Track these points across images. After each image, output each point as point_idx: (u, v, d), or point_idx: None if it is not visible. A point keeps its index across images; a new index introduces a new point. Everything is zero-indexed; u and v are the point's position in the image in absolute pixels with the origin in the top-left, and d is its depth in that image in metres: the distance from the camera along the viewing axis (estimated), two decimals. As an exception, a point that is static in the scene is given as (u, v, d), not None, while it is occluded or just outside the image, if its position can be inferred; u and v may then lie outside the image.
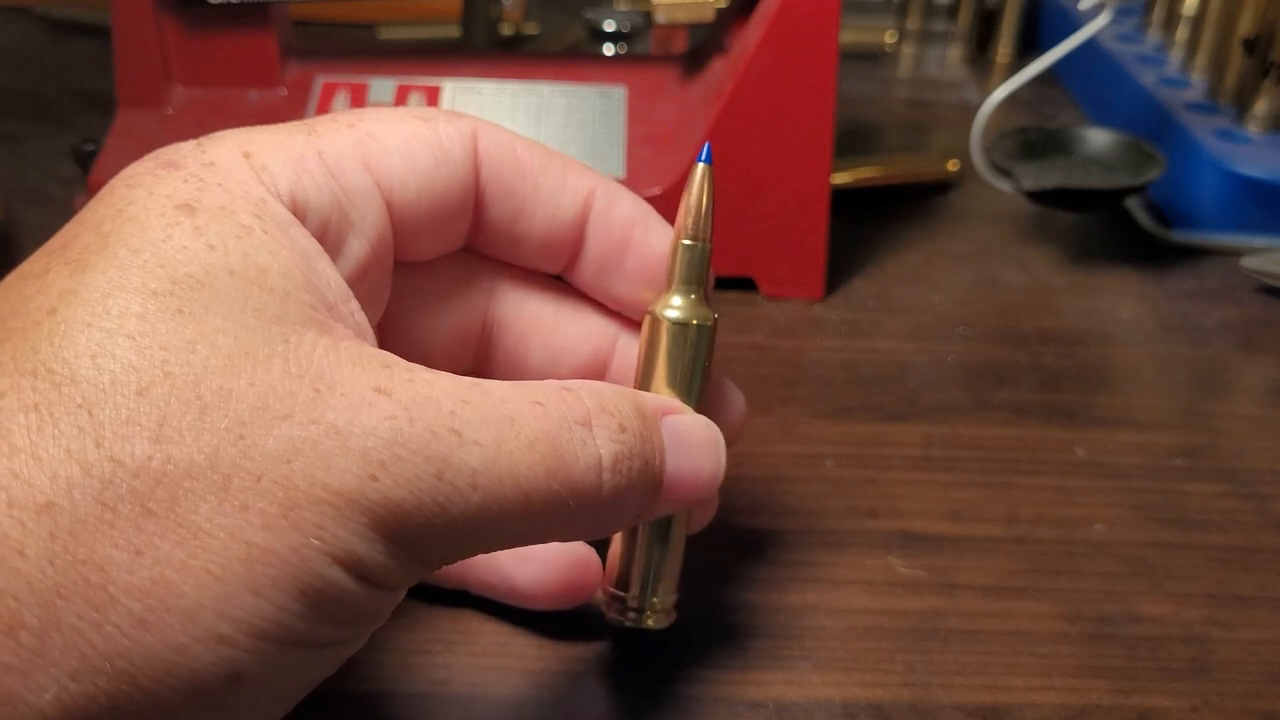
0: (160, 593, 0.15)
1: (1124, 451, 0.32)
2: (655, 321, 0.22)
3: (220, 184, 0.18)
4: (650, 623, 0.23)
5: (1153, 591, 0.27)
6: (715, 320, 0.23)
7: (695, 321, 0.22)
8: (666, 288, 0.23)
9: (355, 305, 0.19)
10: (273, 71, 0.39)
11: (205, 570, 0.15)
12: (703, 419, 0.22)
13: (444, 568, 0.19)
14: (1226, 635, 0.26)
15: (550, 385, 0.19)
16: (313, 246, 0.19)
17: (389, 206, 0.21)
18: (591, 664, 0.25)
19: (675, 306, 0.22)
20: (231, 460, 0.16)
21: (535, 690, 0.24)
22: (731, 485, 0.30)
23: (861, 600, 0.27)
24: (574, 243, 0.23)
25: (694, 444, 0.21)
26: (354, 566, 0.16)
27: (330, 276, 0.19)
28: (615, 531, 0.23)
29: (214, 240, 0.17)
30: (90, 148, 0.40)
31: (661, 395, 0.22)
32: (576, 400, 0.19)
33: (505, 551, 0.24)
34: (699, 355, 0.22)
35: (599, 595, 0.24)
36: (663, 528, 0.23)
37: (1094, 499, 0.30)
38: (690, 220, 0.22)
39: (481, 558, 0.25)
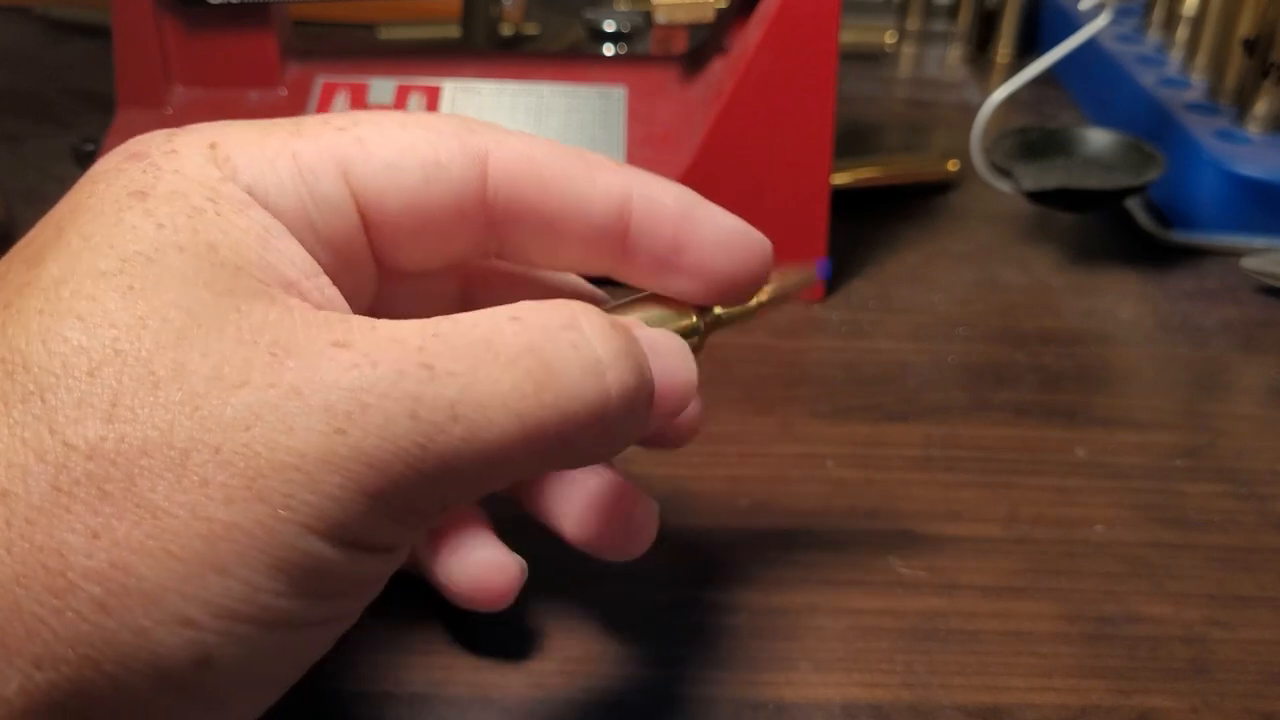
0: (119, 576, 0.15)
1: (1124, 451, 0.32)
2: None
3: (177, 170, 0.18)
4: None
5: (1153, 591, 0.27)
6: (697, 348, 0.22)
7: (694, 320, 0.22)
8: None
9: (325, 280, 0.19)
10: (273, 71, 0.39)
11: (165, 550, 0.15)
12: (665, 330, 0.21)
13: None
14: (1226, 635, 0.26)
15: (525, 301, 0.18)
16: (273, 224, 0.18)
17: (364, 219, 0.20)
18: (591, 664, 0.25)
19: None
20: (188, 434, 0.15)
21: (535, 690, 0.24)
22: (732, 485, 0.30)
23: (862, 600, 0.27)
24: (615, 245, 0.22)
25: (666, 351, 0.20)
26: (333, 532, 0.16)
27: (293, 252, 0.18)
28: (623, 448, 0.20)
29: (163, 220, 0.17)
30: (90, 148, 0.40)
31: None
32: (557, 306, 0.18)
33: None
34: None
35: None
36: None
37: (1094, 499, 0.30)
38: (765, 297, 0.23)
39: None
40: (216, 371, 0.16)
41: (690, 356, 0.21)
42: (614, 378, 0.18)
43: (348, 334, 0.17)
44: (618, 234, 0.22)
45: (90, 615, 0.15)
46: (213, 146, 0.19)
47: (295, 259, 0.18)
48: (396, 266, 0.21)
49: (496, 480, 0.18)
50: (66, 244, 0.17)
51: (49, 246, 0.17)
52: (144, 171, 0.18)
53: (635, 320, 0.22)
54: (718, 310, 0.23)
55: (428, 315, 0.23)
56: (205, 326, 0.16)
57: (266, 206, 0.19)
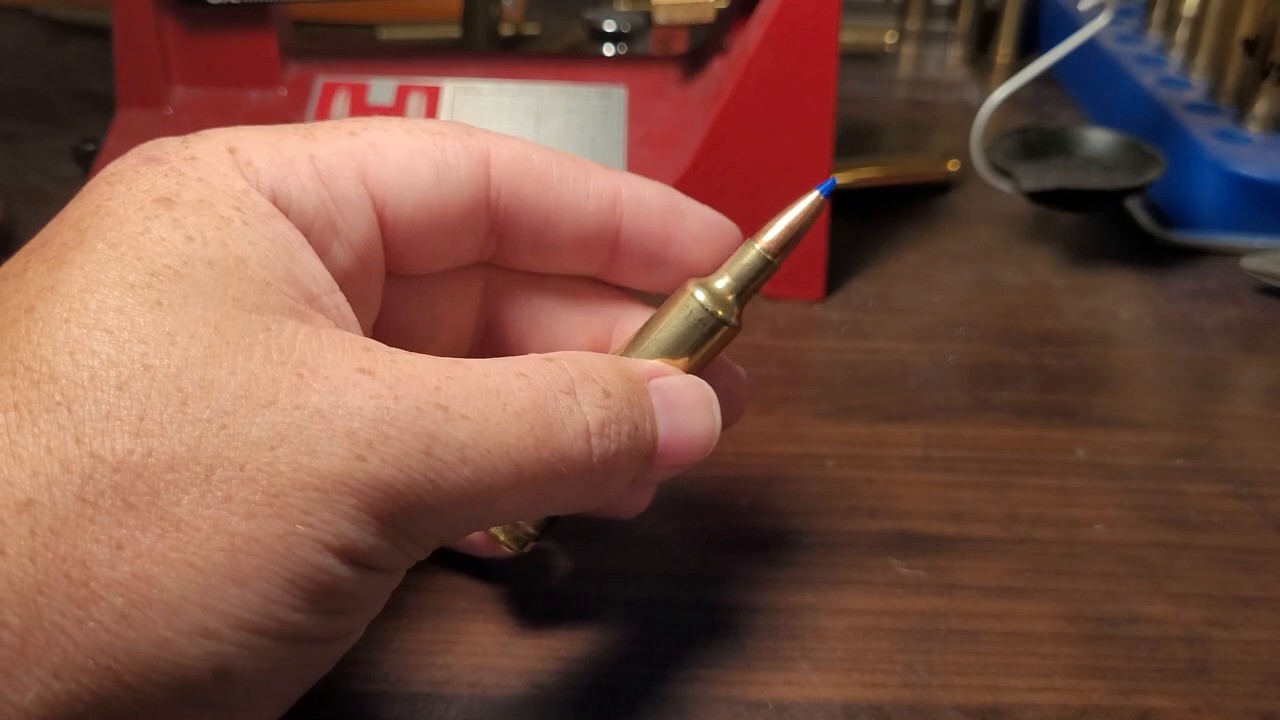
0: (142, 587, 0.15)
1: (1124, 452, 0.32)
2: (687, 297, 0.22)
3: (200, 178, 0.18)
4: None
5: (1153, 592, 0.27)
6: (736, 329, 0.23)
7: (720, 314, 0.22)
8: (717, 274, 0.23)
9: (341, 298, 0.19)
10: (273, 72, 0.39)
11: (187, 563, 0.15)
12: (693, 378, 0.22)
13: None
14: (1226, 635, 0.26)
15: (533, 357, 0.19)
16: (296, 238, 0.19)
17: (381, 219, 0.20)
18: (591, 664, 0.25)
19: (714, 293, 0.22)
20: (214, 450, 0.16)
21: (535, 690, 0.24)
22: (732, 485, 0.30)
23: (862, 600, 0.27)
24: (606, 245, 0.23)
25: (685, 405, 0.21)
26: (346, 551, 0.16)
27: (314, 268, 0.19)
28: (614, 500, 0.22)
29: (192, 232, 0.17)
30: (90, 148, 0.40)
31: (651, 361, 0.22)
32: (559, 369, 0.19)
33: None
34: (708, 348, 0.22)
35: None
36: None
37: (1094, 499, 0.30)
38: (777, 238, 0.22)
39: None
40: (244, 390, 0.16)
41: (716, 408, 0.22)
42: (597, 444, 0.19)
43: (372, 362, 0.17)
44: (609, 233, 0.23)
45: (111, 625, 0.15)
46: (232, 151, 0.19)
47: (316, 274, 0.19)
48: (404, 269, 0.22)
49: (486, 520, 0.19)
50: (90, 249, 0.17)
51: (70, 249, 0.17)
52: (165, 176, 0.18)
53: (660, 365, 0.22)
54: (727, 280, 0.22)
55: (446, 324, 0.24)
56: (234, 344, 0.16)
57: (289, 208, 0.19)
